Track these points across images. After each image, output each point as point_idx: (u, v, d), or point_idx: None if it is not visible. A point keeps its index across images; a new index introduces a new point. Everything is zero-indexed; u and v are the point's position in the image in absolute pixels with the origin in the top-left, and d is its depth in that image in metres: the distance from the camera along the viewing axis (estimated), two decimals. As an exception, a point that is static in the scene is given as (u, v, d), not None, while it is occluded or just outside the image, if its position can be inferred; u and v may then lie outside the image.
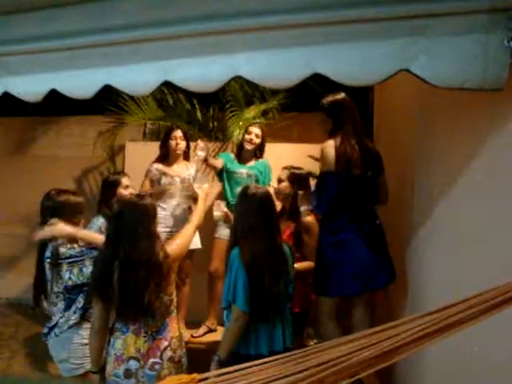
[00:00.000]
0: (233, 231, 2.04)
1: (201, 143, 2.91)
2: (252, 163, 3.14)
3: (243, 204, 1.98)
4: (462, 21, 1.29)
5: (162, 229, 2.80)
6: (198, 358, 2.05)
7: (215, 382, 0.93)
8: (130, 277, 1.79)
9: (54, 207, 2.10)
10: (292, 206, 2.55)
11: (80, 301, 2.07)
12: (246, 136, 3.08)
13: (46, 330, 2.15)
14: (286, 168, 2.64)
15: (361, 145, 2.21)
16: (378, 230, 2.27)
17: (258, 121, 3.41)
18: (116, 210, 1.94)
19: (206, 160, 2.96)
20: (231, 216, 2.58)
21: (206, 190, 2.38)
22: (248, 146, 3.07)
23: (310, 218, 2.50)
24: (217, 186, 3.25)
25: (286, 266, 1.99)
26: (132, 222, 1.83)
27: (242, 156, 3.15)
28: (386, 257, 2.26)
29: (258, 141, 3.07)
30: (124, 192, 2.62)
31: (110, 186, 2.64)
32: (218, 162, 3.08)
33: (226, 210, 2.74)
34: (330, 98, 2.29)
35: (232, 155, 3.20)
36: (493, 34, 1.26)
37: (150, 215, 1.88)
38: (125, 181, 2.67)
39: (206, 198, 2.35)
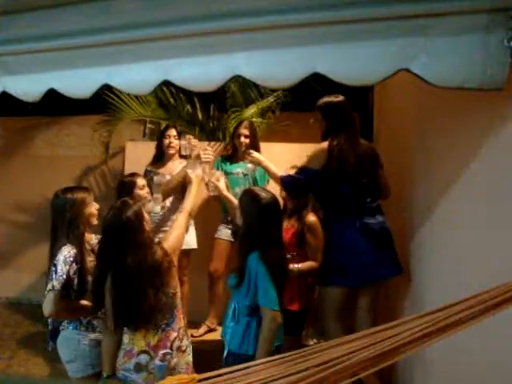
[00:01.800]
0: (247, 236, 1.99)
1: (183, 141, 2.72)
2: (247, 161, 3.11)
3: (259, 212, 1.96)
4: (462, 20, 1.29)
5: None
6: (198, 358, 2.05)
7: (215, 382, 0.93)
8: (123, 289, 1.80)
9: (63, 205, 2.07)
10: (295, 205, 2.55)
11: None
12: (236, 139, 3.07)
13: (50, 334, 2.15)
14: (294, 168, 2.64)
15: (356, 146, 2.23)
16: (381, 226, 2.29)
17: (246, 119, 3.36)
18: (102, 225, 1.91)
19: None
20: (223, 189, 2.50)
21: (200, 175, 2.35)
22: (241, 149, 3.06)
23: (313, 218, 2.50)
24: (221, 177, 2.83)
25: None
26: (116, 237, 1.83)
27: (236, 155, 3.13)
28: (390, 251, 2.28)
29: (247, 140, 3.05)
30: (141, 192, 2.65)
31: (126, 187, 2.66)
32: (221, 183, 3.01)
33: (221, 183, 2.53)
34: (326, 100, 2.31)
35: (221, 159, 3.18)
36: (493, 33, 1.26)
37: (133, 226, 1.84)
38: (140, 181, 2.70)
39: (199, 183, 2.32)
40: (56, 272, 1.91)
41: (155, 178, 3.05)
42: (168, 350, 1.87)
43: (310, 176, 2.25)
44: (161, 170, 3.09)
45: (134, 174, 2.79)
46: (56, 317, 2.01)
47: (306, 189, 2.34)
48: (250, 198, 2.02)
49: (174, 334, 1.90)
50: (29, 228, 4.57)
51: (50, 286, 1.89)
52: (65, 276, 1.91)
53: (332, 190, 2.26)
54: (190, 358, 1.98)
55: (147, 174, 3.10)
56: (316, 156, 2.25)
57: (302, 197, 2.43)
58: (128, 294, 1.80)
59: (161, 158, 3.13)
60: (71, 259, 1.95)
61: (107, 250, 1.86)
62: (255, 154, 2.57)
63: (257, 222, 1.95)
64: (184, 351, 1.94)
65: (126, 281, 1.80)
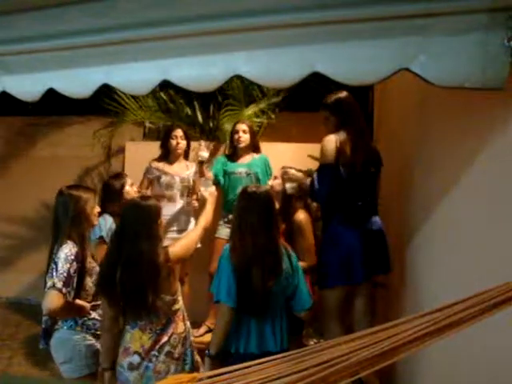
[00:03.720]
0: (232, 229, 2.04)
1: (203, 143, 2.94)
2: (249, 160, 3.11)
3: (243, 202, 1.98)
4: (462, 20, 1.28)
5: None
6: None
7: (215, 381, 0.93)
8: (130, 276, 1.82)
9: (67, 201, 2.05)
10: (283, 205, 2.53)
11: None
12: (235, 135, 3.07)
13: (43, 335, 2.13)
14: (284, 168, 2.65)
15: (363, 142, 2.25)
16: (376, 225, 2.30)
17: (247, 118, 3.39)
18: (122, 211, 1.98)
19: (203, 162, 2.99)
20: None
21: (214, 193, 2.42)
22: (239, 144, 3.06)
23: (302, 216, 2.46)
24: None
25: (280, 265, 1.96)
26: (134, 223, 1.87)
27: (237, 154, 3.13)
28: (384, 250, 2.31)
29: (246, 136, 3.05)
30: (131, 190, 2.66)
31: (114, 186, 2.66)
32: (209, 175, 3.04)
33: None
34: (334, 96, 2.33)
35: (224, 158, 3.18)
36: (492, 33, 1.26)
37: (152, 216, 1.90)
38: (129, 180, 2.72)
39: (214, 202, 2.38)
40: (57, 270, 1.90)
41: (163, 178, 3.05)
42: (155, 353, 1.88)
43: (329, 172, 2.22)
44: (169, 171, 3.09)
45: (120, 175, 2.78)
46: (55, 315, 1.99)
47: (327, 187, 2.26)
48: (240, 192, 2.06)
49: (165, 339, 1.90)
50: (29, 228, 4.57)
51: (50, 284, 1.87)
52: (65, 274, 1.89)
53: (337, 187, 2.23)
54: (187, 367, 1.95)
55: (153, 172, 3.09)
56: (328, 149, 2.22)
57: (327, 195, 2.29)
58: (134, 281, 1.82)
59: (166, 157, 3.13)
60: (72, 257, 1.94)
61: (121, 235, 1.88)
62: None
63: (238, 212, 1.98)
64: (177, 359, 1.92)
65: (134, 267, 1.82)
